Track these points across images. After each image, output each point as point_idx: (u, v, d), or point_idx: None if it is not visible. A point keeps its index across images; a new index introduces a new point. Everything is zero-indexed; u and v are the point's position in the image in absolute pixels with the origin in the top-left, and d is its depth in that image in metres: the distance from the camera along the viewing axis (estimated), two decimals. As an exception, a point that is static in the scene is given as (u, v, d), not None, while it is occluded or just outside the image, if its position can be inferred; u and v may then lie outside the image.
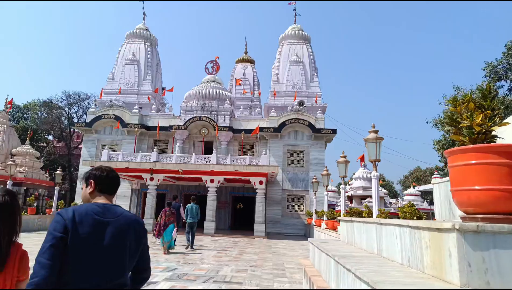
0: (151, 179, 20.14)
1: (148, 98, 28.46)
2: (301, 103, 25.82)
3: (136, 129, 24.79)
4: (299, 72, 28.72)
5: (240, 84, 31.86)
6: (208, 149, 24.94)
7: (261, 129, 24.18)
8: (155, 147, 22.87)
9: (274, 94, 26.92)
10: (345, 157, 11.35)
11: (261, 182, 19.90)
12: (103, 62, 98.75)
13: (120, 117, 25.65)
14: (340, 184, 64.91)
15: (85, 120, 31.37)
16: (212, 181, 19.82)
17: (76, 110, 39.76)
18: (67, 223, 2.04)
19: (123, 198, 24.80)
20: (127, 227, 2.14)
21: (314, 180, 19.96)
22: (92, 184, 2.26)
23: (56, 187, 18.57)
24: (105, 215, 2.13)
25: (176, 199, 13.19)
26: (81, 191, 2.28)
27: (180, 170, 19.84)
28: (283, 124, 24.88)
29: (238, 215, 24.75)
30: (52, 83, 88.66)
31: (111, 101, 27.03)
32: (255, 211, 19.45)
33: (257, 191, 20.01)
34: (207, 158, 21.41)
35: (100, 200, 2.22)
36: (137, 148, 25.48)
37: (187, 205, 12.19)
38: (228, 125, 25.13)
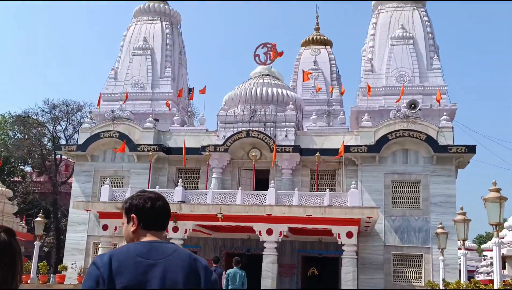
0: (175, 229, 20.91)
1: (168, 104, 29.65)
2: (412, 105, 25.29)
3: (151, 153, 25.83)
4: (407, 55, 28.47)
5: (309, 79, 31.93)
6: (261, 181, 25.09)
7: (348, 149, 24.13)
8: (180, 180, 23.39)
9: (368, 92, 26.71)
10: (498, 190, 11.07)
11: (349, 234, 20.01)
12: (100, 54, 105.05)
13: (127, 136, 26.92)
14: (482, 237, 61.44)
15: (77, 141, 33.08)
16: (269, 232, 20.25)
17: (63, 127, 42.12)
18: (102, 272, 2.31)
19: None
20: (181, 269, 2.39)
21: (439, 230, 19.64)
22: (135, 220, 2.57)
23: (36, 242, 19.40)
24: (151, 255, 2.39)
25: (217, 263, 13.71)
26: (122, 227, 2.63)
27: (219, 216, 20.43)
28: (383, 140, 24.75)
29: (312, 285, 25.15)
30: (29, 89, 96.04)
31: (113, 112, 27.95)
32: (340, 279, 19.58)
33: (343, 248, 20.15)
34: (261, 195, 21.66)
35: (147, 239, 2.51)
36: (153, 181, 26.30)
37: (228, 271, 12.56)
38: (292, 144, 25.68)
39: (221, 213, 20.48)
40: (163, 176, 27.21)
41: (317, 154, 23.28)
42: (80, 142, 28.10)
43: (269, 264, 19.78)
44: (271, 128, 26.11)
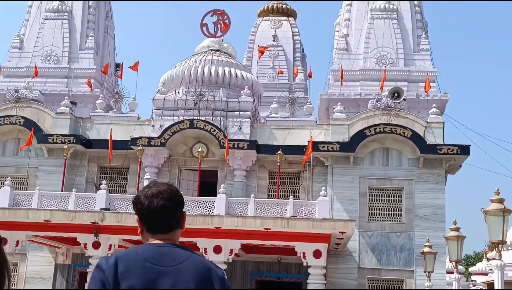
0: (95, 244, 20.55)
1: (89, 83, 29.11)
2: (395, 94, 25.50)
3: (66, 146, 25.18)
4: (390, 32, 28.82)
5: (263, 54, 31.95)
6: (208, 185, 24.86)
7: (316, 146, 24.16)
8: (104, 182, 22.88)
9: (341, 77, 26.73)
10: (501, 201, 11.21)
11: (317, 253, 20.02)
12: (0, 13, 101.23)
13: (35, 123, 26.40)
14: (470, 258, 62.82)
15: None
16: (217, 250, 20.14)
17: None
18: (107, 275, 2.56)
19: (37, 281, 24.96)
20: (193, 280, 2.62)
21: (426, 249, 19.71)
22: (139, 223, 2.83)
23: None
24: (161, 261, 2.63)
25: None
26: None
27: None
28: (359, 136, 24.87)
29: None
30: None
31: (16, 91, 27.15)
32: (307, 312, 19.09)
33: (309, 271, 20.12)
34: (207, 203, 21.44)
35: (155, 242, 2.76)
36: (67, 182, 25.71)
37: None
38: (248, 138, 25.78)
39: None
40: (80, 176, 26.82)
41: (279, 152, 23.23)
42: None
43: (215, 291, 19.35)
44: (221, 118, 26.16)
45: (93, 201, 21.51)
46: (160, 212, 2.72)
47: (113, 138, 25.30)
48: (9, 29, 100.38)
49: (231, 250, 20.31)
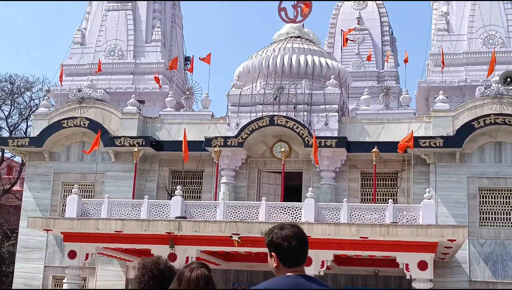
0: (172, 257, 20.48)
1: (157, 79, 29.18)
2: (507, 80, 24.55)
3: (136, 149, 25.28)
4: (499, 8, 27.85)
5: (353, 41, 31.42)
6: (291, 189, 24.62)
7: (416, 142, 23.51)
8: (178, 187, 22.93)
9: (442, 62, 26.14)
10: None
11: (422, 265, 19.62)
12: (62, 7, 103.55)
13: (101, 124, 26.68)
14: None
15: (26, 131, 33.22)
16: (307, 262, 19.28)
17: (6, 113, 41.72)
18: None
19: None
20: None
21: None
22: (275, 258, 3.64)
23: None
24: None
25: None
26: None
27: (235, 238, 20.10)
28: (466, 129, 24.15)
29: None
30: None
31: (80, 90, 27.49)
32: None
33: (413, 285, 19.80)
34: (294, 209, 21.23)
35: (290, 274, 3.58)
36: (138, 189, 25.75)
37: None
38: (336, 135, 25.35)
39: (238, 234, 20.01)
40: (151, 182, 26.93)
41: (374, 150, 22.70)
42: (33, 133, 27.63)
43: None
44: (305, 113, 25.79)
45: (167, 209, 21.53)
46: (297, 250, 3.65)
47: (186, 139, 25.05)
48: (70, 23, 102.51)
49: (322, 262, 20.08)
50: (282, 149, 24.11)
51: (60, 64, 29.15)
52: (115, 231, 20.85)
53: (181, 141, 25.03)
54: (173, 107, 28.11)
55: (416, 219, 20.23)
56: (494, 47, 27.15)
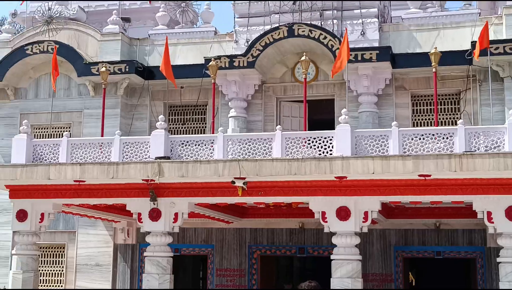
0: (154, 213, 16.81)
1: None
2: None
3: (123, 76, 22.80)
4: None
5: None
6: (321, 123, 20.66)
7: (484, 50, 19.18)
8: (161, 117, 18.95)
9: None
10: None
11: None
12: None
13: (73, 49, 23.58)
14: None
15: None
16: (343, 213, 16.16)
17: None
18: None
19: (92, 270, 22.85)
20: None
21: None
22: None
23: None
24: None
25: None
26: None
27: (238, 184, 16.27)
28: None
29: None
30: None
31: (49, 9, 24.26)
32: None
33: (499, 242, 15.76)
34: (320, 140, 16.72)
35: None
36: (124, 129, 22.85)
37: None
38: (376, 46, 21.68)
39: (243, 178, 15.62)
40: (142, 120, 23.81)
41: (433, 51, 17.70)
42: None
43: (344, 279, 15.51)
44: (334, 21, 22.08)
45: (145, 148, 17.08)
46: None
47: (183, 63, 22.81)
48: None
49: (365, 213, 15.79)
50: (304, 69, 19.11)
51: (22, -21, 26.15)
52: (74, 181, 16.35)
53: (178, 66, 22.48)
54: (166, 25, 25.01)
55: (499, 146, 15.22)
56: None
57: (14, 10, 26.93)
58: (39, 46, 23.30)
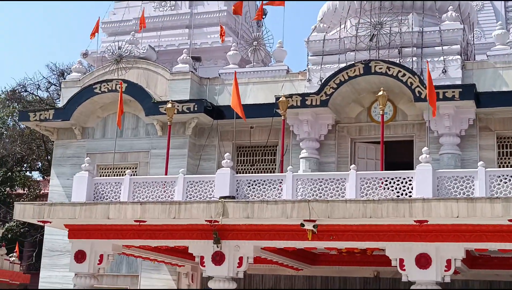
0: (217, 257, 15.98)
1: (222, 32, 25.66)
2: None
3: (191, 116, 22.60)
4: None
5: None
6: (396, 160, 20.89)
7: None
8: (227, 155, 18.21)
9: None
10: None
11: None
12: None
13: (142, 88, 23.55)
14: None
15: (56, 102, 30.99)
16: (422, 262, 15.06)
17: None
18: None
19: None
20: None
21: None
22: None
23: None
24: None
25: None
26: None
27: (308, 227, 15.22)
28: None
29: None
30: (25, 52, 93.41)
31: (119, 48, 24.27)
32: None
33: None
34: (398, 181, 15.66)
35: None
36: (191, 170, 22.86)
37: None
38: (459, 84, 20.95)
39: (313, 221, 14.66)
40: (209, 161, 23.41)
41: None
42: (61, 103, 24.92)
43: None
44: (414, 59, 21.70)
45: (210, 187, 16.29)
46: None
47: (253, 102, 22.41)
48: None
49: (448, 261, 14.59)
50: (379, 107, 18.30)
51: (96, 21, 25.80)
52: (135, 221, 15.69)
53: (248, 105, 21.79)
54: (237, 64, 24.55)
55: None
56: None
57: (86, 50, 27.14)
58: (108, 85, 23.35)
